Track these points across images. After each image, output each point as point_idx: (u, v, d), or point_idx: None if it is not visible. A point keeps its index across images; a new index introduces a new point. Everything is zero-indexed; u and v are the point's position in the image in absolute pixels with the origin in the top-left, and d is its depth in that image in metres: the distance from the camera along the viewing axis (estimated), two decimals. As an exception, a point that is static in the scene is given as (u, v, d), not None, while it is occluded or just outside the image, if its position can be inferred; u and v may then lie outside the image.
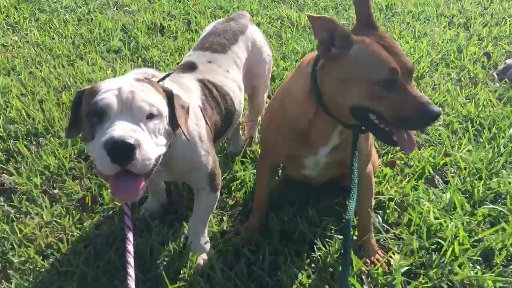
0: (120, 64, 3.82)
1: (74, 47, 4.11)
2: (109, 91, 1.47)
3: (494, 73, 3.66)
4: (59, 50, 4.01)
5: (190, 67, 2.17)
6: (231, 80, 2.23)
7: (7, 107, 3.15)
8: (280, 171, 2.58)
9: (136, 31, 4.41)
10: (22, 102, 3.19)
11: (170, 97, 1.63)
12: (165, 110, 1.56)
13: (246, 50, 2.40)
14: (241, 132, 2.90)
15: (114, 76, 3.58)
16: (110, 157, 1.36)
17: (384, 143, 1.70)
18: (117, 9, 5.06)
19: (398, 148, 2.73)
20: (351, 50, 1.54)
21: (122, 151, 1.35)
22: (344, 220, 2.24)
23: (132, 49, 4.11)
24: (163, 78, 1.75)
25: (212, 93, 2.08)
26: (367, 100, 1.54)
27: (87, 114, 1.49)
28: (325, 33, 1.54)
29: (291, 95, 1.82)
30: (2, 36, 4.25)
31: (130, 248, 1.62)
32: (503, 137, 2.80)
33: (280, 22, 4.75)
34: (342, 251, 2.04)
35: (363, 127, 1.70)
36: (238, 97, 2.25)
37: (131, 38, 4.32)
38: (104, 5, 5.14)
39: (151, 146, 1.45)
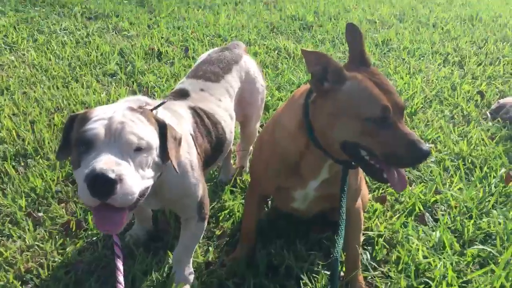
0: (115, 87, 3.82)
1: (70, 69, 4.12)
2: (99, 120, 1.45)
3: (487, 112, 3.69)
4: (54, 71, 4.02)
5: (183, 94, 2.16)
6: (223, 109, 2.23)
7: (-2, 126, 3.13)
8: (269, 202, 2.55)
9: (133, 56, 4.44)
10: (13, 122, 3.17)
11: (162, 128, 1.60)
12: (155, 142, 1.54)
13: (240, 80, 2.41)
14: (232, 161, 2.88)
15: (108, 100, 3.59)
16: (90, 190, 1.34)
17: (374, 180, 1.69)
18: (116, 33, 5.10)
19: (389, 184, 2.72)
20: (343, 85, 1.54)
21: (103, 185, 1.32)
22: (331, 256, 2.20)
23: (128, 73, 4.12)
24: (157, 107, 1.74)
25: (204, 121, 2.07)
26: (358, 136, 1.53)
27: (75, 141, 1.48)
28: (318, 67, 1.55)
29: (283, 127, 1.81)
30: (-1, 55, 4.28)
31: (121, 278, 1.59)
32: (494, 177, 2.79)
33: (277, 53, 4.80)
34: (329, 287, 2.00)
35: (353, 163, 1.69)
36: (229, 126, 2.24)
37: (128, 63, 4.34)
38: (103, 29, 5.19)
39: (135, 180, 1.42)
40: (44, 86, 3.75)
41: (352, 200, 1.97)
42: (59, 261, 2.10)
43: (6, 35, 4.73)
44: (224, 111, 2.22)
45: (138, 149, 1.46)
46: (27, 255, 2.12)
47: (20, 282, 1.97)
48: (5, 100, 3.48)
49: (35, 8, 5.58)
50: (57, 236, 2.25)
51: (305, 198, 1.95)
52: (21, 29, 4.93)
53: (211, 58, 2.41)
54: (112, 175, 1.32)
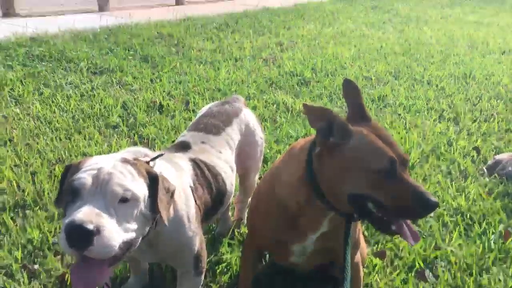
0: (116, 139, 3.88)
1: (74, 121, 4.20)
2: (88, 170, 1.48)
3: (484, 168, 3.73)
4: (58, 124, 4.09)
5: (184, 146, 2.20)
6: (224, 161, 2.26)
7: (-1, 177, 3.15)
8: (267, 255, 2.53)
9: (135, 108, 4.54)
10: (14, 173, 3.20)
11: (153, 180, 1.60)
12: (142, 194, 1.53)
13: (240, 132, 2.46)
14: (230, 213, 2.88)
15: (109, 151, 3.64)
16: (67, 241, 1.34)
17: (381, 232, 1.70)
18: (120, 87, 5.23)
19: (388, 237, 2.72)
20: (350, 140, 1.58)
21: (79, 236, 1.33)
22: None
23: (130, 125, 4.20)
24: (155, 158, 1.77)
25: (204, 173, 2.10)
26: (366, 188, 1.56)
27: (64, 191, 1.50)
28: (323, 123, 1.59)
29: (282, 180, 1.83)
30: (5, 107, 4.35)
31: None
32: (493, 233, 2.79)
33: (276, 107, 4.90)
34: None
35: (356, 215, 1.70)
36: (230, 177, 2.27)
37: (130, 115, 4.43)
38: (108, 82, 5.33)
39: (116, 233, 1.41)
40: (47, 137, 3.81)
41: (352, 254, 1.96)
42: (53, 315, 2.06)
43: (12, 88, 4.85)
44: (224, 163, 2.25)
45: (123, 200, 1.46)
46: (21, 309, 2.09)
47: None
48: (7, 151, 3.52)
49: (42, 63, 5.74)
50: (52, 289, 2.21)
51: (303, 252, 1.95)
52: (27, 83, 5.05)
53: (212, 111, 2.47)
54: (89, 227, 1.32)
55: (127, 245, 1.49)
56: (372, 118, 1.71)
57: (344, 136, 1.59)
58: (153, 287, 2.30)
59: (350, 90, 1.75)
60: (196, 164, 2.09)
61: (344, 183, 1.59)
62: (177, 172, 1.92)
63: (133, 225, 1.50)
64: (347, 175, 1.58)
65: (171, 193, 1.67)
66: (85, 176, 1.45)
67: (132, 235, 1.50)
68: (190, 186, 1.95)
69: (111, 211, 1.42)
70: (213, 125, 2.36)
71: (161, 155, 1.83)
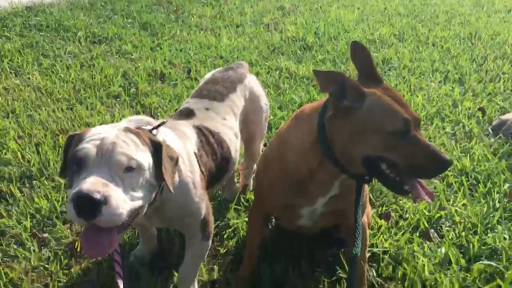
0: (119, 109, 3.87)
1: (75, 92, 4.17)
2: (91, 140, 1.47)
3: (489, 128, 3.71)
4: (59, 94, 4.07)
5: (188, 114, 2.19)
6: (228, 127, 2.25)
7: (3, 148, 3.15)
8: (273, 219, 2.55)
9: (136, 78, 4.50)
10: (18, 144, 3.20)
11: (157, 148, 1.59)
12: (146, 163, 1.53)
13: (244, 99, 2.44)
14: (236, 180, 2.89)
15: (112, 121, 3.63)
16: (76, 210, 1.35)
17: (394, 192, 1.71)
18: (119, 56, 5.17)
19: (392, 199, 2.73)
20: (364, 102, 1.56)
21: (87, 206, 1.33)
22: (338, 273, 2.19)
23: (132, 95, 4.17)
24: (157, 126, 1.76)
25: (208, 140, 2.09)
26: (381, 150, 1.55)
27: (69, 161, 1.49)
28: (336, 87, 1.57)
29: (291, 146, 1.81)
30: (5, 79, 4.33)
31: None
32: (498, 192, 2.79)
33: (279, 73, 4.85)
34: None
35: (367, 177, 1.71)
36: (234, 144, 2.26)
37: (131, 84, 4.40)
38: (107, 52, 5.27)
39: (123, 201, 1.41)
40: (49, 108, 3.80)
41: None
42: (65, 281, 2.10)
43: (11, 59, 4.80)
44: (229, 129, 2.24)
45: (129, 170, 1.46)
46: (33, 276, 2.12)
47: (25, 303, 1.98)
48: (10, 123, 3.52)
49: (40, 33, 5.67)
50: (62, 257, 2.25)
51: (312, 215, 1.95)
52: (26, 53, 5.00)
53: (215, 77, 2.44)
54: (97, 196, 1.33)
55: (135, 213, 1.50)
56: (382, 80, 1.68)
57: (358, 98, 1.56)
58: (162, 253, 2.33)
59: (358, 52, 1.71)
60: (201, 131, 2.08)
61: (358, 146, 1.58)
62: (181, 139, 1.91)
63: (139, 193, 1.50)
64: (361, 138, 1.57)
65: (175, 161, 1.67)
66: (88, 146, 1.44)
67: (139, 203, 1.50)
68: (195, 153, 1.94)
69: (117, 180, 1.42)
70: (217, 92, 2.33)
71: (164, 123, 1.81)
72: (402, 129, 1.53)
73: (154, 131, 1.71)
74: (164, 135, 1.78)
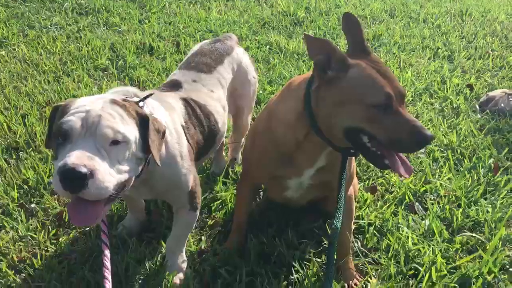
0: (106, 82, 3.82)
1: (61, 64, 4.11)
2: (76, 113, 1.45)
3: (476, 105, 3.74)
4: (45, 66, 4.01)
5: (175, 85, 2.17)
6: (216, 100, 2.24)
7: (-11, 120, 3.12)
8: (261, 192, 2.57)
9: (124, 51, 4.44)
10: (4, 116, 3.16)
11: (144, 121, 1.58)
12: (132, 136, 1.51)
13: (232, 71, 2.42)
14: (224, 153, 2.90)
15: (100, 94, 3.59)
16: (62, 184, 1.35)
17: (375, 166, 1.72)
18: (107, 28, 5.09)
19: (379, 174, 2.76)
20: (348, 73, 1.56)
21: (73, 180, 1.33)
22: (324, 244, 2.23)
23: (120, 68, 4.12)
24: (144, 98, 1.73)
25: (196, 112, 2.08)
26: (362, 122, 1.55)
27: (54, 133, 1.48)
28: (321, 56, 1.56)
29: (279, 117, 1.81)
30: (-10, 50, 4.25)
31: (108, 263, 1.61)
32: (483, 167, 2.84)
33: (269, 48, 4.82)
34: (321, 274, 2.03)
35: (353, 150, 1.71)
36: (222, 117, 2.25)
37: (119, 57, 4.34)
38: (94, 24, 5.18)
39: (109, 174, 1.41)
40: (35, 80, 3.74)
41: (346, 187, 1.99)
42: (52, 250, 2.11)
43: (-4, 30, 4.71)
44: (216, 102, 2.23)
45: (114, 143, 1.45)
46: (20, 245, 2.13)
47: (13, 272, 1.98)
48: (-4, 94, 3.47)
49: (25, 3, 5.54)
50: (49, 227, 2.25)
51: (299, 187, 1.97)
52: (11, 24, 4.90)
53: (203, 49, 2.42)
54: (83, 170, 1.32)
55: (121, 186, 1.50)
56: (371, 52, 1.68)
57: (342, 69, 1.56)
58: (150, 224, 2.34)
59: (350, 24, 1.70)
60: (188, 103, 2.07)
61: (339, 117, 1.58)
62: (168, 111, 1.90)
63: (125, 167, 1.49)
64: (342, 109, 1.57)
65: (162, 134, 1.66)
66: (73, 119, 1.42)
67: (125, 176, 1.50)
68: (182, 125, 1.94)
69: (103, 154, 1.42)
70: (205, 64, 2.31)
71: (151, 95, 1.78)
72: (383, 102, 1.52)
73: (141, 103, 1.69)
74: (151, 107, 1.76)
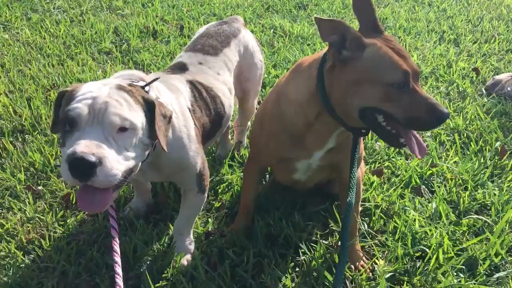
0: (111, 65, 3.80)
1: (65, 47, 4.09)
2: (83, 100, 1.43)
3: (483, 88, 3.71)
4: (49, 50, 3.99)
5: (181, 68, 2.15)
6: (222, 82, 2.22)
7: (-6, 103, 3.12)
8: (267, 175, 2.57)
9: (128, 34, 4.41)
10: (9, 99, 3.16)
11: (150, 106, 1.55)
12: (140, 122, 1.50)
13: (238, 54, 2.40)
14: (230, 137, 2.89)
15: (104, 77, 3.58)
16: (71, 171, 1.35)
17: (390, 145, 1.72)
18: (110, 12, 5.05)
19: (385, 157, 2.76)
20: (363, 53, 1.54)
21: (82, 168, 1.34)
22: (337, 225, 2.23)
23: (124, 51, 4.10)
24: (151, 82, 1.71)
25: (202, 95, 2.07)
26: (379, 101, 1.54)
27: (61, 120, 1.47)
28: (335, 36, 1.54)
29: (290, 98, 1.79)
30: (-7, 33, 4.23)
31: (117, 248, 1.61)
32: (489, 150, 2.83)
33: (273, 31, 4.78)
34: (327, 255, 2.04)
35: (364, 130, 1.71)
36: (228, 100, 2.24)
37: (123, 41, 4.31)
38: (97, 7, 5.14)
39: (117, 162, 1.41)
40: (39, 63, 3.73)
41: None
42: (60, 232, 2.12)
43: (-1, 13, 4.68)
44: (223, 85, 2.21)
45: (122, 130, 1.44)
46: (28, 227, 2.14)
47: (22, 252, 1.99)
48: (0, 77, 3.46)
49: (28, -13, 5.50)
50: (57, 209, 2.26)
51: (308, 169, 1.97)
52: (14, 7, 4.87)
53: (209, 31, 2.39)
54: (92, 158, 1.33)
55: (128, 172, 1.50)
56: (384, 30, 1.66)
57: (358, 48, 1.54)
58: (157, 205, 2.35)
59: (362, 2, 1.68)
60: (194, 86, 2.05)
61: (356, 97, 1.56)
62: (174, 94, 1.88)
63: (133, 153, 1.49)
64: (359, 89, 1.55)
65: (168, 119, 1.64)
66: (80, 106, 1.41)
67: (132, 162, 1.49)
68: (188, 108, 1.92)
69: (110, 141, 1.41)
70: (211, 46, 2.29)
71: (157, 79, 1.76)
72: (401, 80, 1.51)
73: (147, 88, 1.67)
74: (157, 91, 1.75)
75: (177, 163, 1.83)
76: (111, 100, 1.44)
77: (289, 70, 1.90)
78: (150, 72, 3.71)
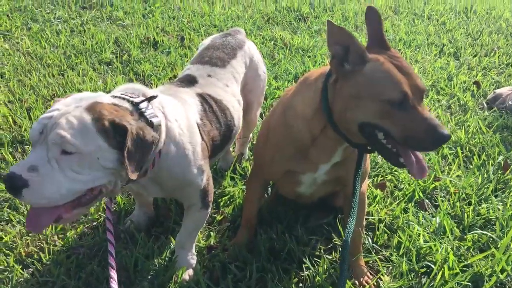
0: (111, 76, 3.79)
1: (66, 58, 4.07)
2: (43, 118, 1.45)
3: (484, 102, 3.72)
4: (50, 60, 3.97)
5: (190, 80, 2.13)
6: (231, 94, 2.20)
7: (-6, 113, 3.09)
8: (269, 188, 2.55)
9: (128, 45, 4.40)
10: (9, 109, 3.13)
11: (122, 132, 1.45)
12: (90, 148, 1.42)
13: (244, 65, 2.39)
14: (231, 149, 2.87)
15: (105, 88, 3.56)
16: (6, 188, 1.40)
17: (390, 164, 1.69)
18: (110, 22, 5.05)
19: (387, 170, 2.74)
20: (365, 67, 1.53)
21: (11, 187, 1.38)
22: (341, 239, 2.21)
23: (124, 62, 4.09)
24: (149, 99, 1.63)
25: (212, 108, 2.04)
26: (376, 118, 1.52)
27: None
28: (339, 47, 1.53)
29: (296, 111, 1.77)
30: (-7, 43, 4.21)
31: (113, 263, 1.61)
32: (492, 164, 2.81)
33: (273, 43, 4.79)
34: (331, 271, 2.01)
35: (368, 147, 1.68)
36: (237, 112, 2.21)
37: (124, 51, 4.30)
38: (98, 18, 5.14)
39: (52, 184, 1.39)
40: (39, 74, 3.70)
41: (360, 182, 1.96)
42: (60, 245, 2.09)
43: (-1, 23, 4.67)
44: (232, 96, 2.19)
45: (65, 152, 1.41)
46: (27, 240, 2.10)
47: (20, 266, 1.96)
48: (0, 87, 3.43)
49: (28, -3, 5.50)
50: (57, 221, 2.22)
51: (313, 182, 1.94)
52: (14, 17, 4.86)
53: (215, 43, 2.38)
54: (17, 182, 1.36)
55: (82, 193, 1.47)
56: (391, 47, 1.64)
57: (359, 62, 1.53)
58: (158, 218, 2.32)
59: (372, 18, 1.67)
60: (204, 99, 2.02)
61: (354, 112, 1.55)
62: (183, 107, 1.85)
63: (85, 176, 1.44)
64: (358, 103, 1.54)
65: (149, 144, 1.51)
66: (34, 126, 1.44)
67: (82, 185, 1.44)
68: (197, 123, 1.89)
69: (52, 163, 1.40)
70: (218, 58, 2.28)
71: (155, 97, 1.67)
72: (399, 99, 1.48)
73: (144, 104, 1.60)
74: (160, 106, 1.69)
75: (180, 179, 1.80)
76: (63, 121, 1.41)
77: (297, 82, 1.89)
78: (151, 83, 3.71)
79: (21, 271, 1.93)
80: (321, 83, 1.66)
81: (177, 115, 1.76)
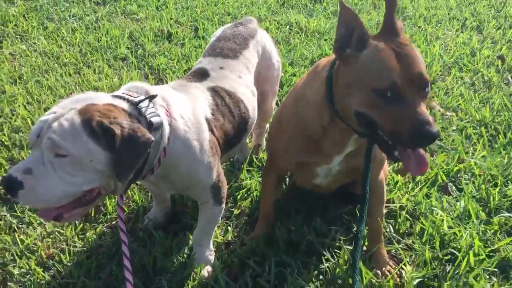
0: (126, 71, 3.79)
1: (81, 55, 4.10)
2: (40, 122, 1.46)
3: (509, 77, 3.57)
4: (66, 58, 4.00)
5: (202, 74, 2.10)
6: (244, 86, 2.16)
7: (13, 115, 3.13)
8: (287, 179, 2.51)
9: (143, 39, 4.39)
10: (28, 111, 3.17)
11: (111, 136, 1.43)
12: (81, 151, 1.41)
13: (257, 55, 2.34)
14: (248, 140, 2.84)
15: (120, 84, 3.56)
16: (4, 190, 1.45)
17: (387, 156, 1.61)
18: (124, 16, 5.05)
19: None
20: (362, 53, 1.47)
21: (7, 188, 1.42)
22: (354, 230, 2.17)
23: (139, 57, 4.08)
24: (150, 98, 1.61)
25: (225, 101, 2.00)
26: (366, 107, 1.46)
27: None
28: (345, 30, 1.47)
29: (306, 100, 1.73)
30: (10, 45, 4.25)
31: (128, 264, 1.62)
32: (519, 143, 2.70)
33: (289, 28, 4.70)
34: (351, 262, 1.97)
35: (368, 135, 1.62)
36: (252, 103, 2.17)
37: (138, 46, 4.30)
38: (112, 13, 5.14)
39: (47, 186, 1.42)
40: (56, 73, 3.74)
41: (376, 171, 1.91)
42: (80, 246, 2.11)
43: (16, 24, 4.71)
44: (245, 88, 2.15)
45: (59, 155, 1.42)
46: (48, 242, 2.13)
47: (42, 269, 1.98)
48: (18, 89, 3.48)
49: (44, -4, 5.55)
50: (76, 222, 2.24)
51: (328, 173, 1.90)
52: (31, 17, 4.91)
53: (226, 34, 2.33)
54: (13, 183, 1.40)
55: (79, 194, 1.48)
56: (401, 33, 1.55)
57: (359, 48, 1.47)
58: (175, 215, 2.31)
59: (388, 2, 1.58)
60: (216, 92, 1.99)
61: (350, 99, 1.49)
62: (191, 103, 1.82)
63: (78, 178, 1.45)
64: (351, 91, 1.48)
65: (142, 146, 1.46)
66: (33, 129, 1.46)
67: (75, 188, 1.45)
68: (207, 118, 1.86)
69: (47, 165, 1.42)
70: (230, 49, 2.23)
71: (155, 96, 1.63)
72: (385, 89, 1.39)
73: (144, 103, 1.57)
74: (164, 103, 1.66)
75: (187, 178, 1.78)
76: (55, 124, 1.42)
77: (308, 71, 1.84)
78: (166, 77, 3.69)
79: (42, 273, 1.95)
80: (327, 71, 1.60)
81: (183, 111, 1.73)
